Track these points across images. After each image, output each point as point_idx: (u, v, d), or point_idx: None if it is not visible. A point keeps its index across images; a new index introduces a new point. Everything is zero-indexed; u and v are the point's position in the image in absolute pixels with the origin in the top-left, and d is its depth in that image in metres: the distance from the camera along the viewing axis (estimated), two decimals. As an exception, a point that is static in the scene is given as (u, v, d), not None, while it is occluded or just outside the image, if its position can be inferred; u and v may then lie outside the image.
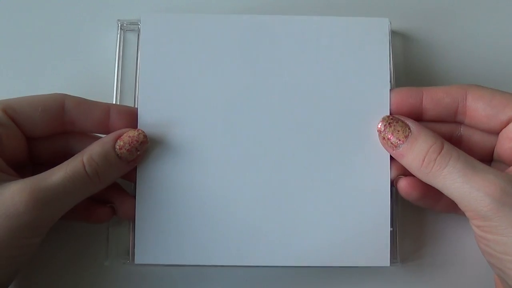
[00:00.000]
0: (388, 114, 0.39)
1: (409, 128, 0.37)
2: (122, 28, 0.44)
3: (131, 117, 0.39)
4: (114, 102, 0.42)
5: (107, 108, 0.38)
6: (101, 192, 0.37)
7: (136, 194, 0.39)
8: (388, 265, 0.38)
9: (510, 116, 0.37)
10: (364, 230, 0.38)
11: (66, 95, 0.37)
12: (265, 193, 0.38)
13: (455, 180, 0.34)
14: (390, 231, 0.39)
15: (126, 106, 0.40)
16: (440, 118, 0.39)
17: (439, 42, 0.44)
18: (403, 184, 0.38)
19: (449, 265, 0.41)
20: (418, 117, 0.39)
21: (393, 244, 0.39)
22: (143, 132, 0.38)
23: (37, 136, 0.38)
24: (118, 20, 0.43)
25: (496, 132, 0.38)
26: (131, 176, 0.39)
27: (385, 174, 0.39)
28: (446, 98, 0.38)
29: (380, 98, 0.39)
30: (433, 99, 0.38)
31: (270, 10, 0.44)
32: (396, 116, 0.38)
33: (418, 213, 0.41)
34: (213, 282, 0.41)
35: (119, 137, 0.37)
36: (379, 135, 0.38)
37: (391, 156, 0.38)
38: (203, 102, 0.38)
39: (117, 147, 0.37)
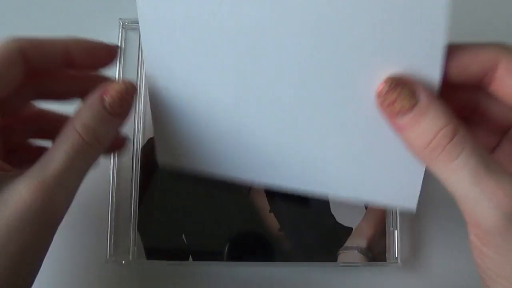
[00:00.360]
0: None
1: (417, 97, 0.29)
2: (124, 26, 0.44)
3: (95, 52, 0.36)
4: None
5: (64, 46, 0.35)
6: None
7: (151, 105, 0.36)
8: (414, 209, 0.34)
9: None
10: (395, 165, 0.33)
11: (20, 37, 0.33)
12: (289, 117, 0.33)
13: (464, 178, 0.28)
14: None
15: (87, 41, 0.36)
16: (461, 84, 0.31)
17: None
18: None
19: (449, 265, 0.41)
20: (480, 83, 0.31)
21: (393, 244, 0.39)
22: (129, 81, 0.34)
23: (6, 93, 0.33)
24: (120, 18, 0.43)
25: None
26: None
27: None
28: (473, 65, 0.30)
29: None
30: (458, 64, 0.30)
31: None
32: (404, 79, 0.30)
33: (418, 213, 0.41)
34: (213, 281, 0.41)
35: (104, 94, 0.33)
36: (377, 99, 0.30)
37: None
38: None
39: (107, 105, 0.32)
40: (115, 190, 0.42)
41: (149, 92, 0.35)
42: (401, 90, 0.29)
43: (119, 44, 0.43)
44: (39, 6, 0.45)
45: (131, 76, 0.43)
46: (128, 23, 0.44)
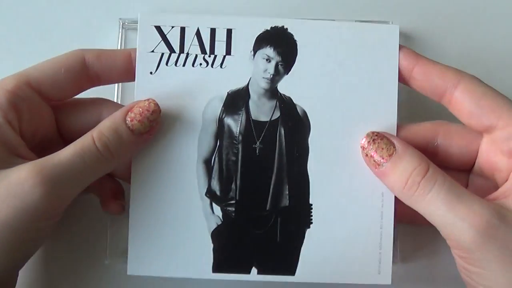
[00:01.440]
0: (395, 122, 0.37)
1: (394, 147, 0.34)
2: (124, 26, 0.43)
3: None
4: (115, 101, 0.41)
5: (127, 53, 0.37)
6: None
7: (130, 205, 0.37)
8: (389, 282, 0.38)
9: (492, 123, 0.34)
10: (362, 245, 0.38)
11: (84, 49, 0.36)
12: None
13: (439, 207, 0.32)
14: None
15: None
16: (425, 93, 0.37)
17: (441, 43, 0.44)
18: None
19: (448, 265, 0.40)
20: (405, 81, 0.37)
21: (393, 245, 0.38)
22: (154, 100, 0.35)
23: (67, 98, 0.37)
24: (120, 18, 0.43)
25: (475, 131, 0.36)
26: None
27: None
28: (437, 79, 0.36)
29: (387, 102, 0.37)
30: (424, 73, 0.36)
31: (272, 13, 0.44)
32: (381, 132, 0.36)
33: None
34: (213, 282, 0.40)
35: (130, 109, 0.35)
36: (362, 152, 0.36)
37: None
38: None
39: (128, 119, 0.34)
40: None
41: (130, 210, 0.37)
42: (381, 141, 0.35)
43: (119, 44, 0.43)
44: (39, 6, 0.45)
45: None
46: (128, 23, 0.43)
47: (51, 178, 0.32)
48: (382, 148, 0.35)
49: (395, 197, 0.37)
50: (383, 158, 0.35)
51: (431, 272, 0.41)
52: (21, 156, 0.33)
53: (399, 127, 0.37)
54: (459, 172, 0.38)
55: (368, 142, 0.35)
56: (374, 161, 0.35)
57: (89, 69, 0.36)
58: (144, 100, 0.36)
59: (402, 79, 0.37)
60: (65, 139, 0.37)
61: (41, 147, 0.36)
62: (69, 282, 0.41)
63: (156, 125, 0.36)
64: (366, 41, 0.37)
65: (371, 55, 0.37)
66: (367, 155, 0.35)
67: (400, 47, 0.37)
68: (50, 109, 0.36)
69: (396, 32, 0.37)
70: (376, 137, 0.35)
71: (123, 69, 0.37)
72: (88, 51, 0.36)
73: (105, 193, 0.39)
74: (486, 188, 0.37)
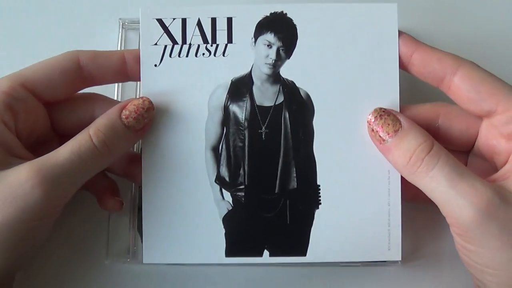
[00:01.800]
0: (398, 100, 0.38)
1: (400, 123, 0.35)
2: (124, 26, 0.43)
3: None
4: (115, 94, 0.42)
5: (122, 55, 0.38)
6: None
7: (143, 200, 0.38)
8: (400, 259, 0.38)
9: (492, 108, 0.35)
10: (370, 222, 0.38)
11: (78, 51, 0.37)
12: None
13: (441, 183, 0.33)
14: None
15: (138, 49, 0.39)
16: (424, 78, 0.37)
17: (440, 36, 0.44)
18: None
19: (448, 264, 0.41)
20: (404, 67, 0.37)
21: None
22: (148, 98, 0.37)
23: (61, 99, 0.37)
24: (120, 18, 0.43)
25: (475, 116, 0.36)
26: (137, 177, 0.39)
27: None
28: (436, 65, 0.36)
29: (389, 82, 0.38)
30: (423, 58, 0.36)
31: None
32: (388, 109, 0.36)
33: (418, 212, 0.41)
34: (213, 281, 0.41)
35: (124, 107, 0.36)
36: (368, 127, 0.36)
37: None
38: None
39: (123, 116, 0.36)
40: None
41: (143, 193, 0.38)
42: (387, 117, 0.35)
43: (119, 44, 0.43)
44: (40, 6, 0.45)
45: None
46: (128, 23, 0.43)
47: (50, 178, 0.32)
48: (388, 124, 0.35)
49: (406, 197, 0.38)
50: (388, 134, 0.35)
51: (431, 272, 0.41)
52: (18, 156, 0.34)
53: (400, 108, 0.37)
54: (459, 152, 0.38)
55: (375, 117, 0.36)
56: (380, 136, 0.35)
57: (83, 70, 0.37)
58: (138, 98, 0.37)
59: (402, 65, 0.37)
60: (60, 135, 0.38)
61: (37, 145, 0.37)
62: (69, 282, 0.41)
63: (149, 122, 0.37)
64: (365, 22, 0.38)
65: (371, 35, 0.38)
66: (372, 130, 0.36)
67: (400, 33, 0.37)
68: (45, 109, 0.37)
69: (394, 11, 0.38)
70: (383, 113, 0.36)
71: (117, 71, 0.38)
72: (83, 52, 0.37)
73: (101, 191, 0.39)
74: (485, 169, 0.37)
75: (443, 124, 0.37)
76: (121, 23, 0.43)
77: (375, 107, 0.37)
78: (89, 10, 0.45)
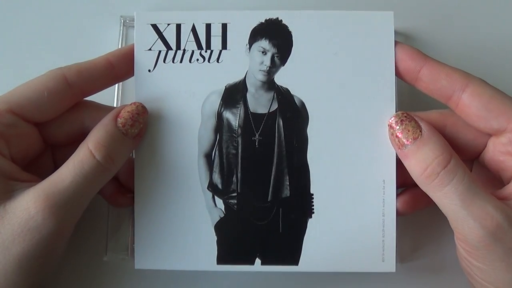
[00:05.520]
0: (394, 109, 0.37)
1: (421, 130, 0.34)
2: (125, 24, 0.43)
3: (131, 55, 0.38)
4: (115, 96, 0.42)
5: (106, 60, 0.37)
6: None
7: (135, 203, 0.38)
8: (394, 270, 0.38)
9: (502, 126, 0.34)
10: (364, 232, 0.38)
11: (62, 68, 0.36)
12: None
13: (454, 201, 0.32)
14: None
15: (120, 48, 0.39)
16: (432, 94, 0.36)
17: (439, 41, 0.44)
18: (400, 201, 0.38)
19: (448, 265, 0.41)
20: (412, 82, 0.37)
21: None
22: (140, 103, 0.37)
23: (51, 119, 0.37)
24: (121, 16, 0.43)
25: (484, 133, 0.36)
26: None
27: (391, 175, 0.37)
28: (444, 81, 0.35)
29: (385, 90, 0.37)
30: (431, 74, 0.36)
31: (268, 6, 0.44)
32: (411, 114, 0.36)
33: (417, 214, 0.40)
34: (212, 280, 0.41)
35: (118, 115, 0.36)
36: (388, 130, 0.36)
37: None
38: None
39: (120, 125, 0.35)
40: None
41: (135, 196, 0.38)
42: (408, 123, 0.35)
43: (120, 41, 0.43)
44: (41, 3, 0.45)
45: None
46: (129, 20, 0.43)
47: (60, 205, 0.32)
48: (408, 130, 0.35)
49: (396, 184, 0.37)
50: (407, 140, 0.34)
51: (430, 273, 0.41)
52: (19, 180, 0.34)
53: None
54: (464, 160, 0.38)
55: (396, 121, 0.35)
56: (399, 141, 0.35)
57: (72, 87, 0.36)
58: (131, 104, 0.37)
59: (409, 80, 0.37)
60: (52, 146, 0.38)
61: (32, 163, 0.37)
62: (68, 279, 0.41)
63: (144, 127, 0.37)
64: (361, 29, 0.37)
65: (367, 42, 0.37)
66: (392, 134, 0.36)
67: (407, 46, 0.37)
68: (36, 129, 0.36)
69: (390, 19, 0.37)
70: (405, 118, 0.35)
71: (105, 77, 0.37)
72: (67, 69, 0.36)
73: (110, 193, 0.39)
74: (490, 177, 0.37)
75: (450, 133, 0.36)
76: (122, 21, 0.43)
77: (369, 116, 0.37)
78: (90, 7, 0.45)
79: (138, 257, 0.38)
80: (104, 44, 0.44)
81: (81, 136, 0.35)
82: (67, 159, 0.34)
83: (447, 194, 0.33)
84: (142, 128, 0.36)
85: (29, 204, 0.32)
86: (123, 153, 0.36)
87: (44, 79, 0.35)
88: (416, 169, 0.34)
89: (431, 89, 0.36)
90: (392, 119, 0.36)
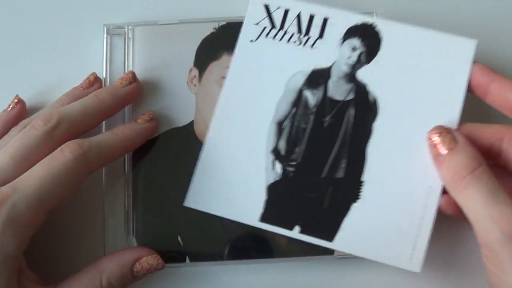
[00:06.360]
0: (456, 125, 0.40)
1: (456, 142, 0.38)
2: (108, 32, 0.45)
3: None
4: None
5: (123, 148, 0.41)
6: None
7: (203, 148, 0.42)
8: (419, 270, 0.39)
9: None
10: (400, 229, 0.40)
11: (87, 166, 0.37)
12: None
13: (476, 204, 0.35)
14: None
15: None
16: (500, 108, 0.40)
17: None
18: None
19: (450, 268, 0.42)
20: (482, 96, 0.40)
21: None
22: (162, 262, 0.40)
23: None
24: (104, 24, 0.45)
25: None
26: None
27: (438, 184, 0.40)
28: (509, 93, 0.38)
29: (452, 107, 0.41)
30: (499, 88, 0.39)
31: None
32: (449, 128, 0.39)
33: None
34: (211, 281, 0.43)
35: (138, 259, 0.39)
36: (427, 140, 0.40)
37: None
38: None
39: (135, 270, 0.39)
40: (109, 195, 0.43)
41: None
42: (446, 135, 0.39)
43: (105, 50, 0.45)
44: (24, 12, 0.47)
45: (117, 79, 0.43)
46: (112, 28, 0.45)
47: None
48: (445, 141, 0.38)
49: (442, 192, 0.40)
50: (443, 150, 0.38)
51: (433, 275, 0.42)
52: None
53: (468, 125, 0.40)
54: None
55: (435, 133, 0.39)
56: (436, 151, 0.39)
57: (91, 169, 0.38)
58: (153, 257, 0.40)
59: (480, 95, 0.41)
60: None
61: None
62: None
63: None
64: (444, 50, 0.41)
65: (446, 62, 0.41)
66: (431, 144, 0.39)
67: (479, 64, 0.41)
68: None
69: (472, 46, 0.41)
70: (443, 131, 0.39)
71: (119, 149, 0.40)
72: (91, 161, 0.38)
73: None
74: None
75: (507, 147, 0.39)
76: (105, 29, 0.45)
77: (433, 125, 0.40)
78: (73, 16, 0.47)
79: (189, 196, 0.42)
80: (89, 53, 0.45)
81: None
82: None
83: (471, 197, 0.36)
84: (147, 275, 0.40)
85: None
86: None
87: (71, 176, 0.36)
88: (447, 174, 0.38)
89: (499, 103, 0.39)
90: (432, 131, 0.40)
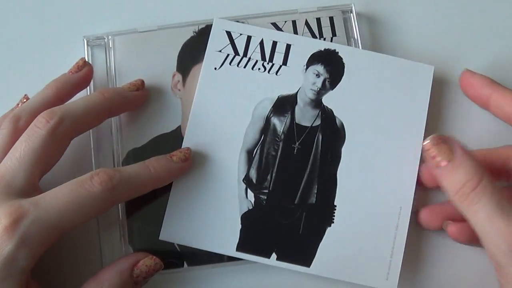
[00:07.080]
0: (420, 149, 0.42)
1: (453, 154, 0.37)
2: (89, 44, 0.45)
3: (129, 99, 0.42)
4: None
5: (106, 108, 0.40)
6: None
7: (174, 181, 0.41)
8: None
9: None
10: (375, 250, 0.41)
11: (113, 187, 0.36)
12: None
13: (482, 219, 0.35)
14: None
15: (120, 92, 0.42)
16: (502, 119, 0.42)
17: (402, 24, 0.48)
18: (452, 230, 0.41)
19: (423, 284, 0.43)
20: (485, 107, 0.43)
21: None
22: (159, 261, 0.39)
23: None
24: (84, 36, 0.45)
25: None
26: None
27: (408, 204, 0.42)
28: (508, 107, 0.41)
29: (415, 130, 0.43)
30: (498, 100, 0.41)
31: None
32: (445, 137, 0.38)
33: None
34: (211, 284, 0.43)
35: (135, 264, 0.38)
36: (424, 152, 0.39)
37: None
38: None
39: (134, 275, 0.38)
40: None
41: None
42: (443, 145, 0.37)
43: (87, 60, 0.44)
44: (4, 24, 0.47)
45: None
46: (92, 39, 0.45)
47: None
48: (444, 152, 0.37)
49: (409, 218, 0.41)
50: (443, 161, 0.37)
51: (430, 267, 0.43)
52: None
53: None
54: None
55: (433, 143, 0.38)
56: (436, 162, 0.37)
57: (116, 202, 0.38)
58: (150, 259, 0.39)
59: (482, 105, 0.43)
60: None
61: None
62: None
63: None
64: (404, 75, 0.43)
65: (407, 87, 0.43)
66: (428, 156, 0.38)
67: (479, 75, 0.43)
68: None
69: (431, 71, 0.43)
70: (440, 141, 0.38)
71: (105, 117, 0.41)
72: (117, 198, 0.37)
73: None
74: None
75: None
76: (85, 41, 0.45)
77: (398, 147, 0.42)
78: (53, 28, 0.47)
79: (164, 229, 0.41)
80: (68, 65, 0.43)
81: None
82: None
83: (476, 211, 0.35)
84: (147, 278, 0.39)
85: None
86: None
87: (95, 207, 0.36)
88: (451, 188, 0.37)
89: (500, 114, 0.42)
90: (427, 141, 0.38)
